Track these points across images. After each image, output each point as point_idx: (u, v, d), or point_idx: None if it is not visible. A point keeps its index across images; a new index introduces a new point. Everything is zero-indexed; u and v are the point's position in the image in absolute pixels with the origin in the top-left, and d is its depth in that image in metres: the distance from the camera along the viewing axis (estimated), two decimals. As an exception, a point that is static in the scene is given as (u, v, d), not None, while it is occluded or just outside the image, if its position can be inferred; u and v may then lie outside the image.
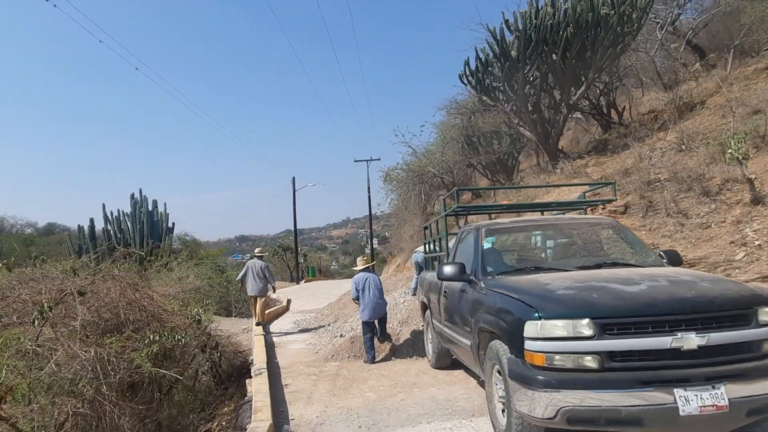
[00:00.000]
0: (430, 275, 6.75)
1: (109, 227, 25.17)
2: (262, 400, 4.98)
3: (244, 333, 11.36)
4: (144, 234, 24.49)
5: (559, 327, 3.17)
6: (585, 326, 3.13)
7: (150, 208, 25.81)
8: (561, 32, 14.33)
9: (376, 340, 7.60)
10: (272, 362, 7.71)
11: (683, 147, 11.23)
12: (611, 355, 3.10)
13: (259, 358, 7.45)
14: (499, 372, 3.82)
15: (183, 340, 5.05)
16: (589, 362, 3.10)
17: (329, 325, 10.23)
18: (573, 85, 15.59)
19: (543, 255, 5.22)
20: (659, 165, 11.09)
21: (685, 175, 9.50)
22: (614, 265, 4.35)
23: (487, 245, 4.75)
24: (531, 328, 3.26)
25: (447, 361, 6.40)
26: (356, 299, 7.67)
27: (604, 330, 3.13)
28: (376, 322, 7.52)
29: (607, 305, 3.21)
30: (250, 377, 7.39)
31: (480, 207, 7.28)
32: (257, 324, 10.90)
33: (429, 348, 6.73)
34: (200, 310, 6.72)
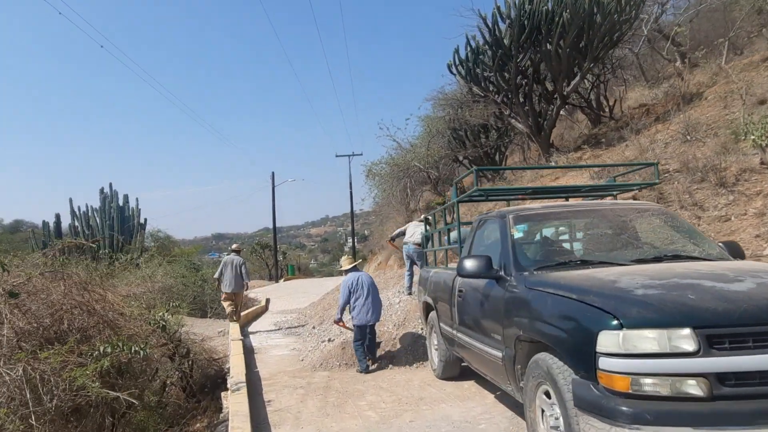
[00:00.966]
0: (435, 271, 5.91)
1: (76, 223, 23.80)
2: (240, 426, 4.05)
3: (220, 336, 10.39)
4: (114, 230, 23.17)
5: (649, 339, 2.34)
6: (686, 338, 2.31)
7: (120, 203, 24.45)
8: (557, 19, 13.66)
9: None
10: (251, 372, 6.77)
11: (689, 137, 10.67)
12: (721, 377, 2.29)
13: (236, 368, 6.49)
14: (547, 394, 2.99)
15: (142, 352, 4.09)
16: (693, 388, 2.28)
17: (314, 327, 9.29)
18: (567, 76, 14.96)
19: (580, 246, 4.38)
20: (664, 156, 10.54)
21: (698, 165, 8.88)
22: (676, 258, 3.55)
23: (517, 235, 3.91)
24: (608, 340, 2.42)
25: (455, 371, 5.55)
26: (341, 312, 6.80)
27: (711, 343, 2.31)
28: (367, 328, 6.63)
29: (714, 310, 2.39)
30: (226, 389, 6.48)
31: (501, 190, 6.45)
32: (233, 320, 10.15)
33: (434, 356, 5.87)
34: (166, 314, 5.73)
